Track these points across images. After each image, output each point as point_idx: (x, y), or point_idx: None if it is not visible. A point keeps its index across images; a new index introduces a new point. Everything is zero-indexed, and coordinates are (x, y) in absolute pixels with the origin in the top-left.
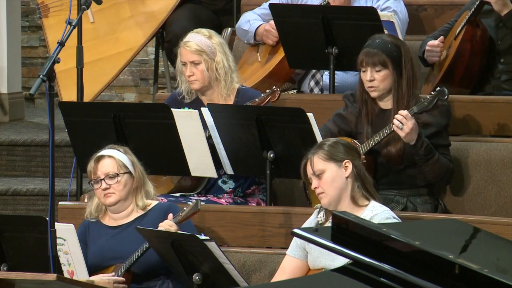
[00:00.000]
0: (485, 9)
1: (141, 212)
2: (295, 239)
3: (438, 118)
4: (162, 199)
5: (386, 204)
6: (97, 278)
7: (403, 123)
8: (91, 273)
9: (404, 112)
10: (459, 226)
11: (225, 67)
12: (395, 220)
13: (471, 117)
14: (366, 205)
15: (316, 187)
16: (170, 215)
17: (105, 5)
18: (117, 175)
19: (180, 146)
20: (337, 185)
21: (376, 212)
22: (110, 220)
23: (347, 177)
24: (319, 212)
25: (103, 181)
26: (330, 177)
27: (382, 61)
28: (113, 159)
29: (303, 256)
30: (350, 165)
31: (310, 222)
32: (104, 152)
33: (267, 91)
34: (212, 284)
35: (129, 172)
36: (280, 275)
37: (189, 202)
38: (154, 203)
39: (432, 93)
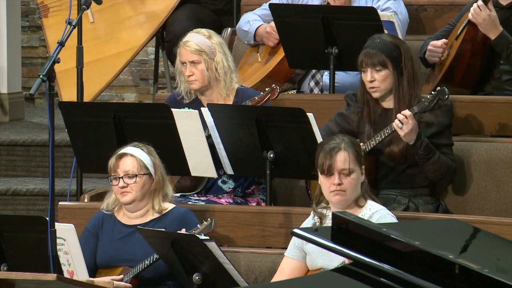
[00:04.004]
0: None
1: (156, 215)
2: (293, 240)
3: (440, 117)
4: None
5: (387, 204)
6: (106, 280)
7: (403, 122)
8: (98, 270)
9: (408, 113)
10: (459, 226)
11: (224, 67)
12: (393, 218)
13: (472, 117)
14: (364, 204)
15: (339, 183)
16: (183, 231)
17: (105, 5)
18: (136, 175)
19: (180, 146)
20: (358, 189)
21: (374, 210)
22: (124, 217)
23: (362, 183)
24: (315, 215)
25: (121, 179)
26: (355, 180)
27: (381, 61)
28: (135, 158)
29: (301, 257)
30: (364, 171)
31: (307, 224)
32: (127, 149)
33: (267, 89)
34: (212, 284)
35: (149, 174)
36: (279, 277)
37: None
38: (170, 206)
39: (433, 92)
